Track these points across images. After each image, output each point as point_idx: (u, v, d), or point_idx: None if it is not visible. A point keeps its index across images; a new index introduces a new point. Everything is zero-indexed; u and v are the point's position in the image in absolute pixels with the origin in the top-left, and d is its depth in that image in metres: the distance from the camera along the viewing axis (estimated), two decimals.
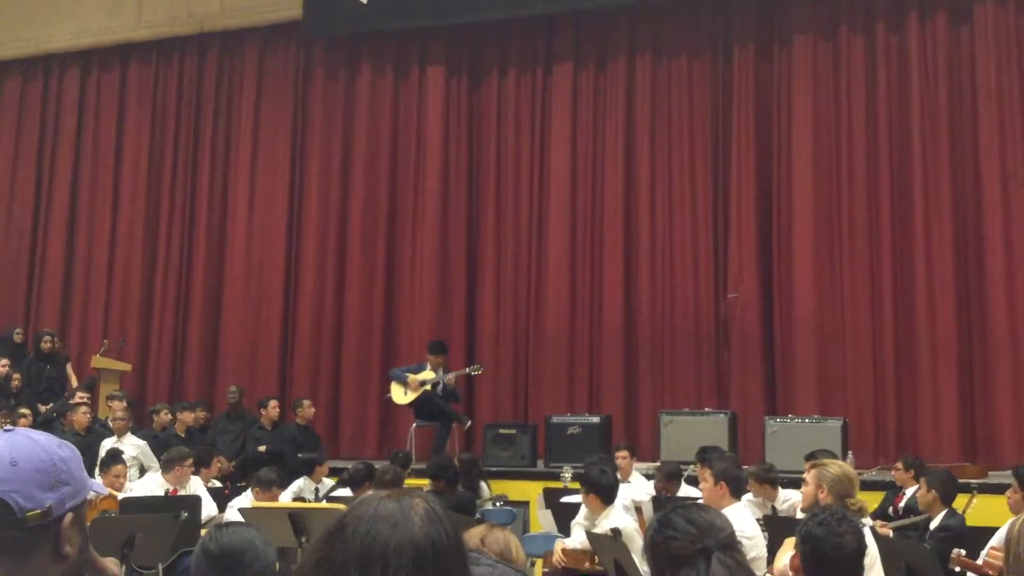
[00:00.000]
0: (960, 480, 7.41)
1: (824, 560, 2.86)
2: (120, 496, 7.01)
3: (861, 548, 2.78)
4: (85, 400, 10.01)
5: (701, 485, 5.40)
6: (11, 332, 12.18)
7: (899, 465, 7.97)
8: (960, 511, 6.65)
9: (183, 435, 9.84)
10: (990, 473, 8.73)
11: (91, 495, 1.64)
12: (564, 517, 6.84)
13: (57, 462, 1.54)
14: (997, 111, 9.89)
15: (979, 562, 5.02)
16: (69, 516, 1.53)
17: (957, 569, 5.22)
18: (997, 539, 4.96)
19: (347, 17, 11.83)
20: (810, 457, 5.84)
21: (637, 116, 11.25)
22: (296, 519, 5.69)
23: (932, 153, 10.10)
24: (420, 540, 1.39)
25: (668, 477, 7.70)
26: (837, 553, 2.84)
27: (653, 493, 7.64)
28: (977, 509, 6.86)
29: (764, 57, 10.94)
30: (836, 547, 2.84)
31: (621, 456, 8.15)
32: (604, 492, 5.89)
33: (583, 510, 6.24)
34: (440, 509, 1.45)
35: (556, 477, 8.76)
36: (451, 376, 10.21)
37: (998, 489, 7.30)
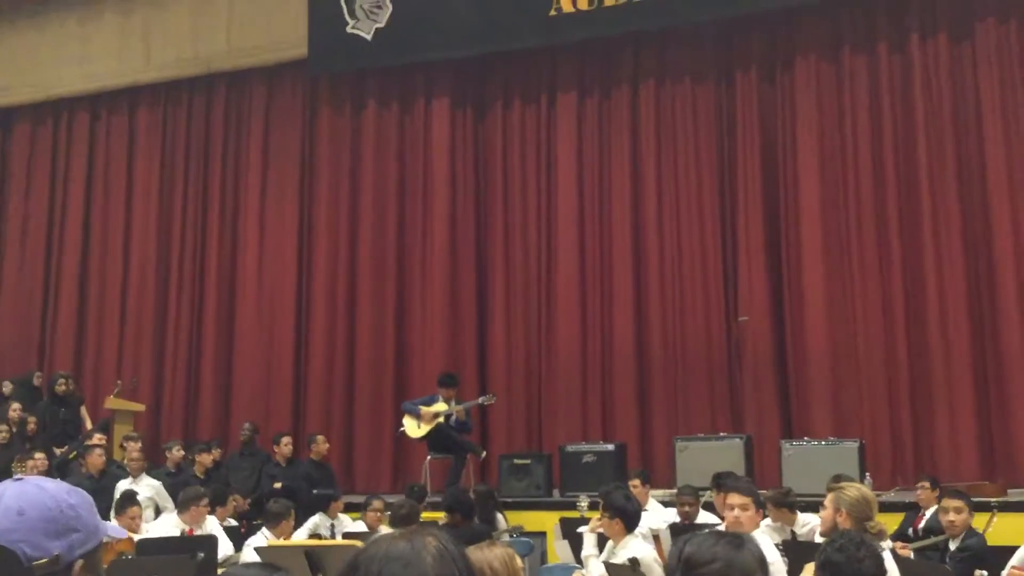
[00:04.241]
0: (979, 499, 7.36)
1: None
2: (136, 538, 7.00)
3: (880, 573, 2.77)
4: (100, 443, 10.02)
5: (727, 512, 5.30)
6: (30, 376, 12.23)
7: (925, 484, 7.87)
8: (980, 530, 6.59)
9: (202, 476, 9.82)
10: (1009, 491, 8.65)
11: (106, 538, 1.65)
12: (581, 547, 6.78)
13: (65, 509, 1.55)
14: (1002, 127, 9.90)
15: None
16: (80, 563, 1.54)
17: None
18: (1018, 558, 4.92)
19: (352, 54, 11.95)
20: (835, 481, 5.79)
21: (642, 143, 11.29)
22: (312, 557, 5.67)
23: (938, 171, 10.10)
24: None
25: (688, 493, 7.75)
26: None
27: (670, 520, 7.60)
28: (997, 528, 6.80)
29: (767, 80, 10.98)
30: (856, 573, 2.83)
31: (633, 485, 8.09)
32: (628, 518, 5.84)
33: (588, 540, 6.19)
34: (453, 547, 1.45)
35: (572, 506, 8.69)
36: (460, 408, 10.19)
37: (1018, 507, 7.26)
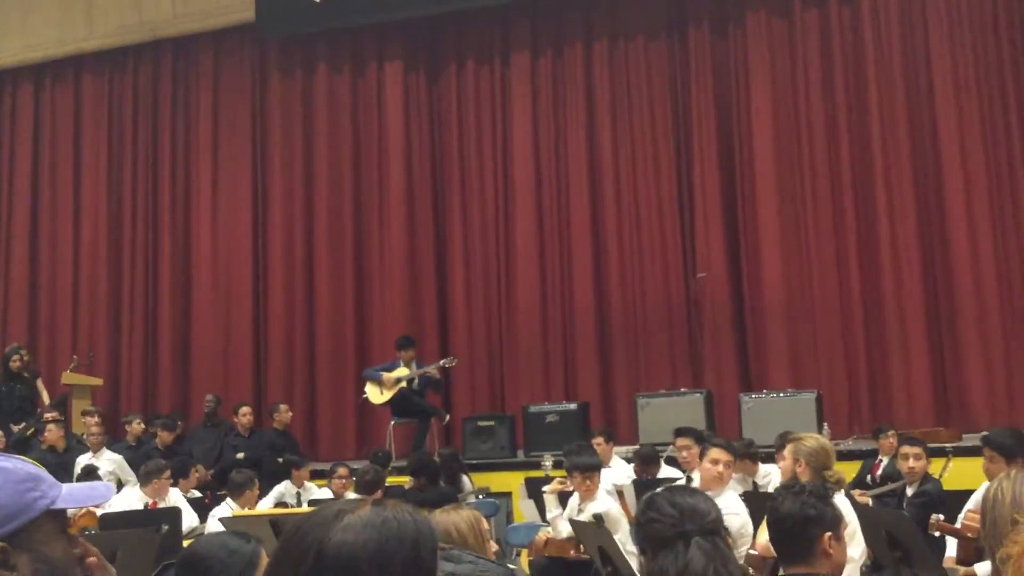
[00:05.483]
0: (935, 445, 7.51)
1: (772, 528, 2.94)
2: (99, 512, 6.94)
3: (803, 512, 2.81)
4: (54, 418, 9.88)
5: (709, 466, 5.35)
6: None
7: (893, 431, 7.98)
8: (936, 476, 6.73)
9: (163, 449, 9.74)
10: (964, 436, 8.84)
11: (70, 511, 1.60)
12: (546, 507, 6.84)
13: None
14: (951, 75, 9.98)
15: (957, 526, 5.09)
16: None
17: (937, 534, 5.27)
18: (973, 502, 5.02)
19: (301, 16, 11.74)
20: (780, 439, 5.88)
21: (597, 101, 11.26)
22: (278, 526, 5.64)
23: (890, 123, 10.18)
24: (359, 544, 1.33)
25: (645, 461, 7.74)
26: (776, 519, 2.89)
27: (634, 476, 7.68)
28: (952, 472, 6.94)
29: (719, 35, 10.98)
30: (773, 511, 2.90)
31: (596, 443, 8.16)
32: (593, 468, 5.91)
33: (550, 501, 6.26)
34: (404, 515, 1.39)
35: (537, 466, 8.75)
36: (432, 369, 10.20)
37: (972, 452, 7.40)
